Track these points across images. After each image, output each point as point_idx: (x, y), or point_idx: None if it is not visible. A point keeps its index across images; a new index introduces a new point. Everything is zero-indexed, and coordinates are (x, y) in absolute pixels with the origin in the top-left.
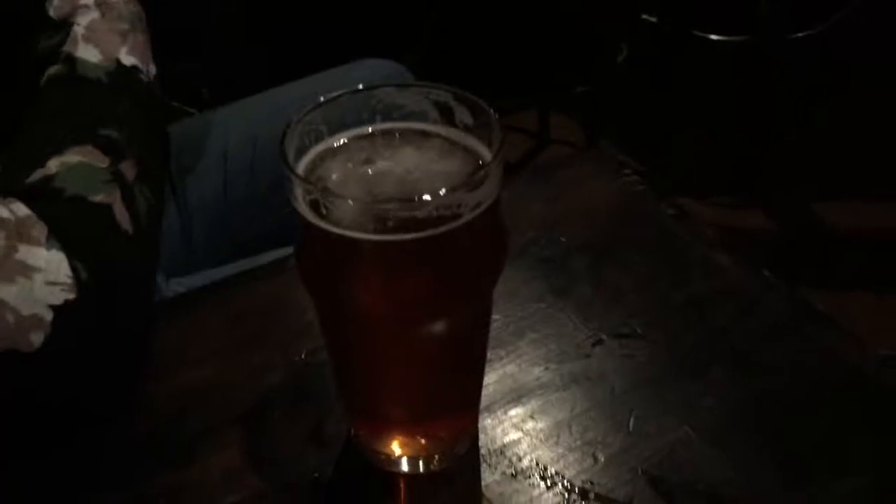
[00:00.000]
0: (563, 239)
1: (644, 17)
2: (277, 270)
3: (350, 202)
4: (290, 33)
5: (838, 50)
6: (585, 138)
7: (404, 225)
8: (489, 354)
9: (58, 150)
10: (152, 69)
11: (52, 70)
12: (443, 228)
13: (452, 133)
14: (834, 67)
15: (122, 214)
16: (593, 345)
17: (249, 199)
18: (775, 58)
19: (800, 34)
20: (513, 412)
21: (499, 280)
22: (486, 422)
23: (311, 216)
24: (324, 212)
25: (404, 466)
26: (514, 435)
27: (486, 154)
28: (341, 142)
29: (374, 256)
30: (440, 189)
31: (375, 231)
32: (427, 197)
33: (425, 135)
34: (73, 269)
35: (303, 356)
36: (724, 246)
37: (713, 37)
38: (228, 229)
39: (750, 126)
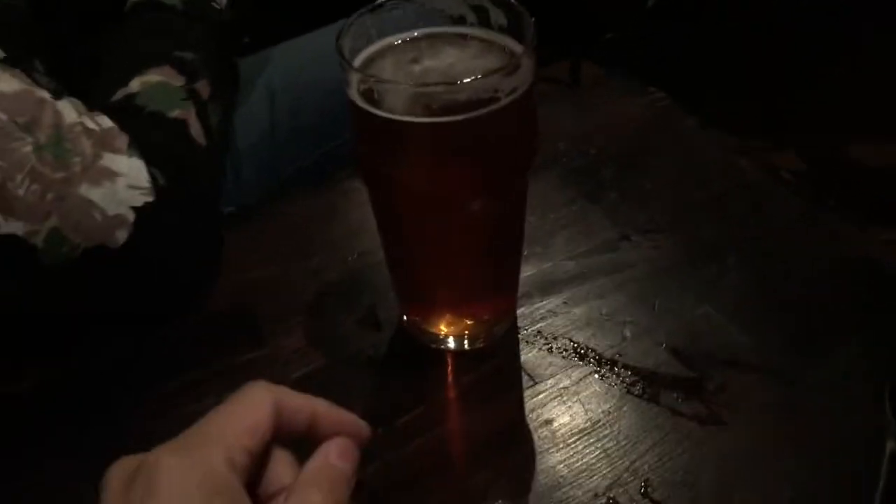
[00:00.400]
0: (592, 151)
1: None
2: (328, 186)
3: (399, 87)
4: None
5: None
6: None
7: (449, 108)
8: (525, 250)
9: (139, 71)
10: None
11: None
12: (483, 111)
13: (489, 34)
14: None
15: (196, 129)
16: (620, 240)
17: (294, 138)
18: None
19: None
20: (547, 299)
21: (533, 184)
22: (523, 308)
23: (364, 104)
24: (376, 98)
25: (451, 344)
26: (549, 318)
27: (520, 50)
28: (389, 44)
29: (422, 139)
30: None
31: (423, 115)
32: (468, 80)
33: (464, 37)
34: (152, 175)
35: (354, 257)
36: (742, 151)
37: None
38: (275, 168)
39: (778, 68)
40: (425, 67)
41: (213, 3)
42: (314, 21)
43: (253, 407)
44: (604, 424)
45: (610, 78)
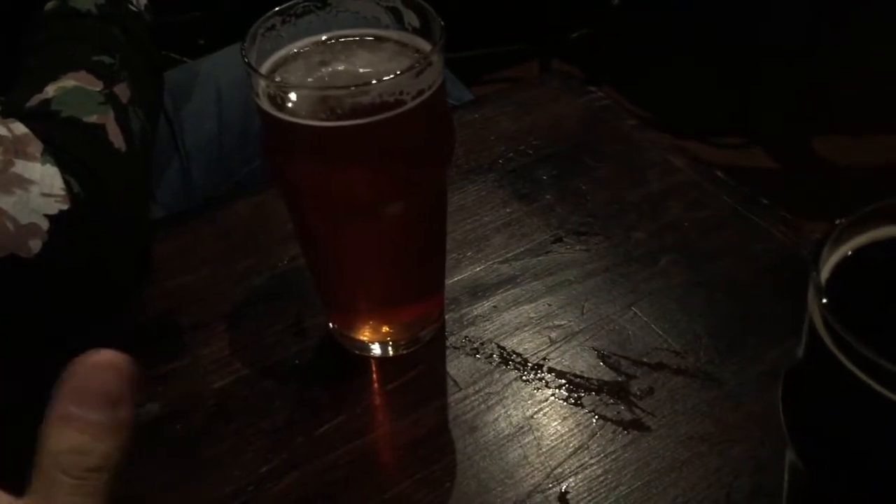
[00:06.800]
0: (529, 151)
1: None
2: (259, 190)
3: (301, 91)
4: None
5: None
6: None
7: (353, 112)
8: (457, 255)
9: (54, 77)
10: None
11: (48, 6)
12: (388, 114)
13: (403, 36)
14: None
15: (115, 134)
16: (553, 242)
17: (244, 138)
18: None
19: None
20: (477, 304)
21: (469, 187)
22: (451, 313)
23: (270, 109)
24: (280, 103)
25: (376, 351)
26: (477, 323)
27: (429, 49)
28: (299, 48)
29: (327, 142)
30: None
31: (328, 119)
32: (370, 82)
33: (378, 39)
34: (67, 182)
35: (284, 262)
36: (680, 150)
37: None
38: (226, 169)
39: (747, 65)
40: (334, 71)
41: (130, 6)
42: None
43: None
44: (527, 430)
45: (552, 77)
